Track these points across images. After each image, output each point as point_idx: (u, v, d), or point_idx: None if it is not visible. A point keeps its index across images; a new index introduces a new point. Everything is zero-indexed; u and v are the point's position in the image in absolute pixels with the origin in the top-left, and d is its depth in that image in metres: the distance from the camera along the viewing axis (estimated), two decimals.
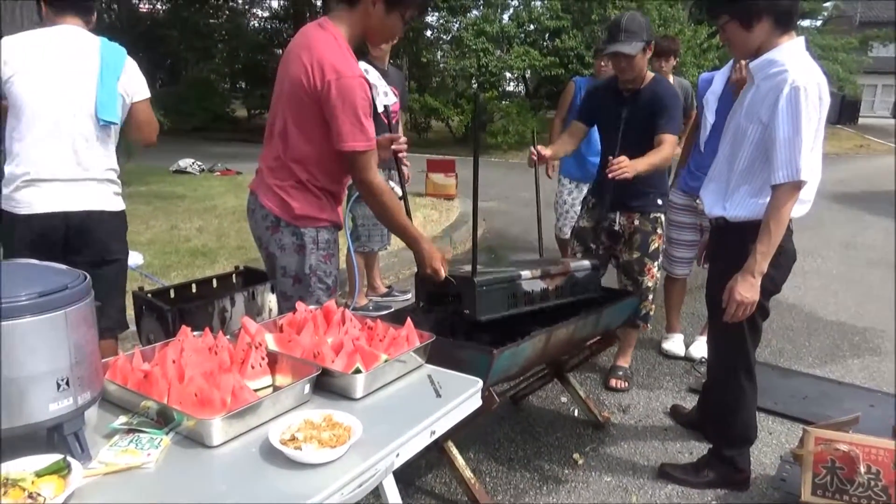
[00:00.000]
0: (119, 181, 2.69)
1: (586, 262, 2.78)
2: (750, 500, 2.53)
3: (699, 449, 2.82)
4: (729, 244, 2.39)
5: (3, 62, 2.46)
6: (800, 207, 2.28)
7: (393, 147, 2.56)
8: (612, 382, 3.44)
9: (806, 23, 22.78)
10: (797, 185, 2.17)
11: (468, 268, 2.38)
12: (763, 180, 2.25)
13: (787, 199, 2.18)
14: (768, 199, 2.23)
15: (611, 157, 2.79)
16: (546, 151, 3.05)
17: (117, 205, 2.66)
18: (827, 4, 24.79)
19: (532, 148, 3.01)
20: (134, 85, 2.63)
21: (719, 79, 3.42)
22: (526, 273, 2.46)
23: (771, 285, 2.35)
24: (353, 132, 2.10)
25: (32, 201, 2.50)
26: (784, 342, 4.15)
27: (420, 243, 2.32)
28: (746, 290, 2.24)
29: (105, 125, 2.55)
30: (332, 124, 2.11)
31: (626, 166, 2.75)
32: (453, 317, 2.44)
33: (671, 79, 4.65)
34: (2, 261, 1.48)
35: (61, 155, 2.50)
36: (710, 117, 3.40)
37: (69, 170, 2.52)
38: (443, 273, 2.31)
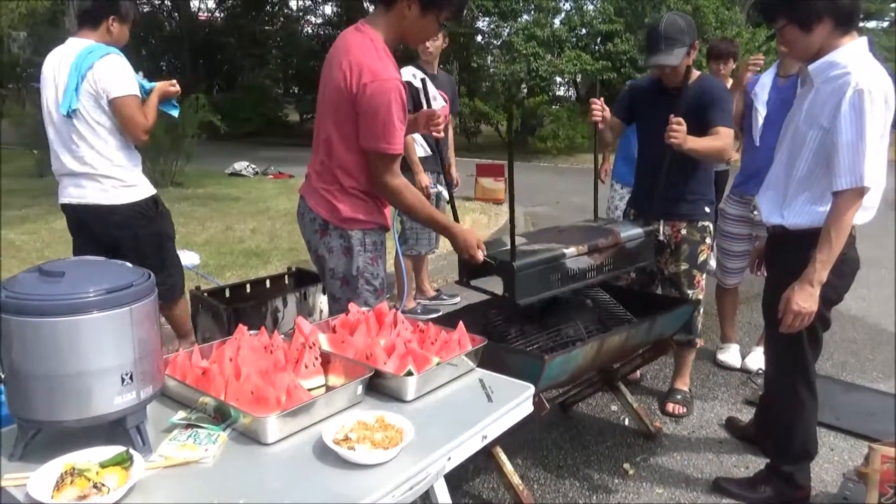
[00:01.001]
0: (123, 176, 2.95)
1: (638, 230, 2.68)
2: None
3: (756, 463, 2.74)
4: (788, 253, 2.31)
5: (42, 78, 2.96)
6: (863, 214, 2.19)
7: (431, 125, 2.52)
8: (670, 407, 3.21)
9: (871, 24, 21.92)
10: (860, 192, 2.08)
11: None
12: (824, 187, 2.17)
13: (849, 207, 2.09)
14: (829, 206, 2.15)
15: (671, 116, 2.59)
16: (607, 113, 2.90)
17: (117, 198, 2.94)
18: (894, 5, 23.79)
19: (594, 99, 2.86)
20: (104, 82, 2.83)
21: (768, 73, 3.42)
22: (571, 250, 2.39)
23: (833, 294, 2.26)
24: (384, 134, 2.10)
25: (59, 193, 3.01)
26: (847, 355, 3.98)
27: (452, 231, 2.32)
28: (804, 299, 2.16)
29: (68, 118, 2.85)
30: (361, 123, 2.12)
31: (682, 132, 2.58)
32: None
33: (730, 83, 4.54)
34: (72, 258, 1.54)
35: (61, 153, 2.93)
36: (761, 109, 3.34)
37: (67, 166, 2.92)
38: (480, 257, 2.30)
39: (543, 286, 2.33)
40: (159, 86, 3.03)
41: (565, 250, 2.38)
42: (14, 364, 1.22)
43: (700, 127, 2.74)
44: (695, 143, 2.67)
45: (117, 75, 2.85)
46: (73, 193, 2.94)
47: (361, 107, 2.10)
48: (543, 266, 2.32)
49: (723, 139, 2.76)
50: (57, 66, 2.88)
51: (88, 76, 2.81)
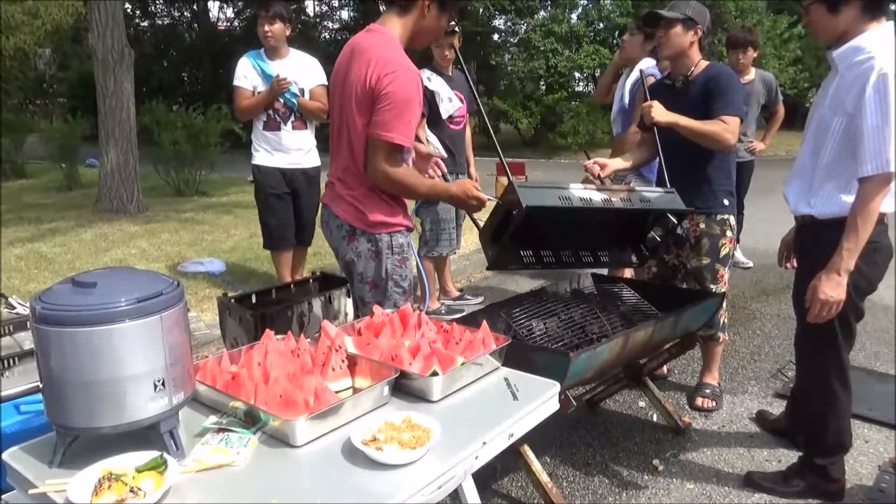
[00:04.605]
0: (256, 146, 4.14)
1: (659, 189, 2.68)
2: None
3: (788, 457, 2.70)
4: (818, 243, 2.26)
5: None
6: (893, 201, 2.16)
7: (430, 165, 2.60)
8: (699, 402, 3.18)
9: None
10: (887, 178, 2.04)
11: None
12: (851, 174, 2.13)
13: (876, 193, 2.06)
14: None
15: (639, 102, 2.71)
16: (606, 163, 2.89)
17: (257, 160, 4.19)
18: None
19: (586, 163, 2.89)
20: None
21: None
22: (576, 184, 2.42)
23: (865, 283, 2.23)
24: (398, 123, 2.10)
25: None
26: (880, 345, 3.91)
27: (450, 190, 2.34)
28: (831, 288, 2.13)
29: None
30: (376, 112, 2.11)
31: (650, 108, 2.68)
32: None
33: (752, 72, 4.49)
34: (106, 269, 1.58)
35: None
36: None
37: None
38: (483, 196, 2.30)
39: (548, 198, 2.29)
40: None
41: (570, 184, 2.41)
42: (51, 373, 1.25)
43: (707, 118, 2.73)
44: (687, 122, 2.70)
45: (238, 70, 4.06)
46: None
47: (381, 95, 2.09)
48: (546, 187, 2.34)
49: (719, 124, 2.72)
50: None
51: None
